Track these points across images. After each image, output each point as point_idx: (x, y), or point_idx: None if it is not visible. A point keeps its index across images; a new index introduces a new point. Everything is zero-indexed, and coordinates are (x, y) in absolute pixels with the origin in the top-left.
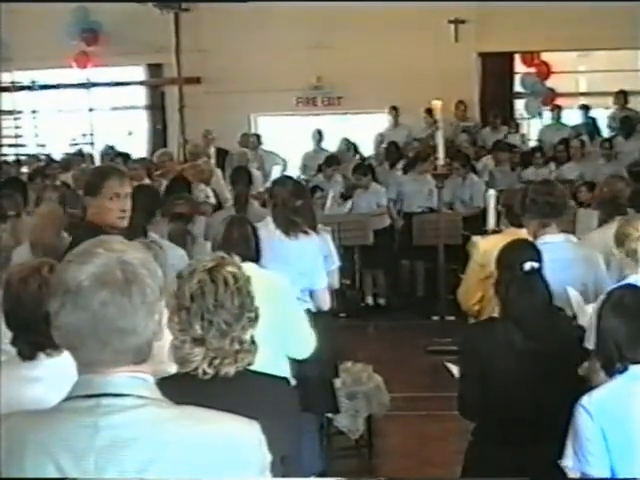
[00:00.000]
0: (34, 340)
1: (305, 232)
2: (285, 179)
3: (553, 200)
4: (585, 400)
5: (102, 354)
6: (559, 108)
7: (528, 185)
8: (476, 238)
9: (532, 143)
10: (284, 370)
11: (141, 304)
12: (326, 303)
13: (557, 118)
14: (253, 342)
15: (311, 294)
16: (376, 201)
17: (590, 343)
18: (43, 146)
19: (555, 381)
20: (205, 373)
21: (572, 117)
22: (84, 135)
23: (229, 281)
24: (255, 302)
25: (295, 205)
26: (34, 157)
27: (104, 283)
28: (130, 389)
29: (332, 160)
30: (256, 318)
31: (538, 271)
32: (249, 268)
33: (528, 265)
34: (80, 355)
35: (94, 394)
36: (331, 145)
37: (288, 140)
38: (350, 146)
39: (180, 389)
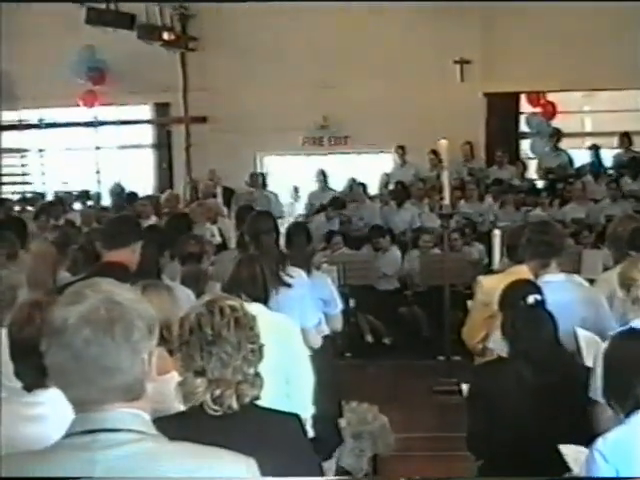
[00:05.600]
0: (39, 363)
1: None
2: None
3: (549, 239)
4: (600, 443)
5: (89, 393)
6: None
7: (527, 225)
8: (481, 278)
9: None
10: (294, 407)
11: (124, 343)
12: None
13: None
14: (258, 375)
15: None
16: (394, 268)
17: (596, 394)
18: (48, 184)
19: (564, 415)
20: (212, 409)
21: (578, 157)
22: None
23: (225, 311)
24: (259, 338)
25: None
26: (39, 195)
27: (88, 322)
28: (126, 424)
29: (336, 202)
30: (260, 352)
31: (542, 304)
32: (256, 308)
33: (532, 298)
34: (70, 394)
35: (91, 430)
36: (337, 185)
37: (294, 180)
38: (356, 186)
39: (188, 425)
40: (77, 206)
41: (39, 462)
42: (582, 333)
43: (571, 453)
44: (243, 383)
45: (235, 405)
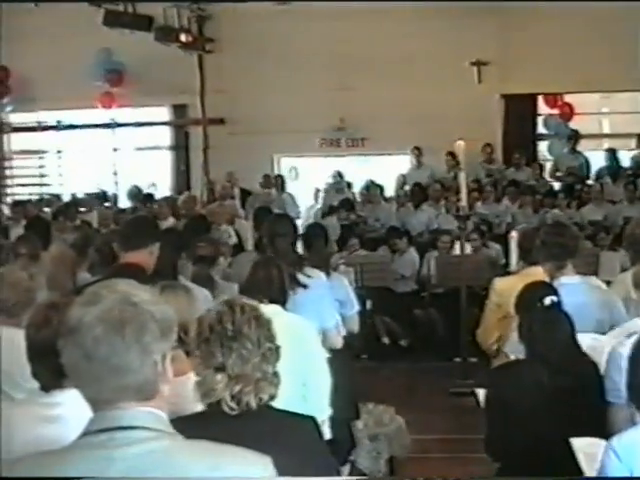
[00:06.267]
0: (56, 363)
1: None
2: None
3: (564, 242)
4: (615, 441)
5: (101, 392)
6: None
7: (541, 227)
8: (494, 279)
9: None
10: (311, 409)
11: (135, 343)
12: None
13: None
14: (276, 375)
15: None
16: (412, 269)
17: (610, 395)
18: (66, 186)
19: (581, 417)
20: (229, 407)
21: (596, 159)
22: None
23: (245, 309)
24: (276, 339)
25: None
26: (56, 197)
27: (100, 321)
28: (143, 422)
29: (346, 204)
30: (277, 352)
31: (558, 306)
32: (273, 310)
33: (548, 300)
34: (84, 392)
35: (107, 428)
36: (354, 186)
37: (311, 181)
38: (373, 187)
39: (202, 426)
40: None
41: (56, 462)
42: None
43: (582, 446)
44: (262, 381)
45: (253, 403)
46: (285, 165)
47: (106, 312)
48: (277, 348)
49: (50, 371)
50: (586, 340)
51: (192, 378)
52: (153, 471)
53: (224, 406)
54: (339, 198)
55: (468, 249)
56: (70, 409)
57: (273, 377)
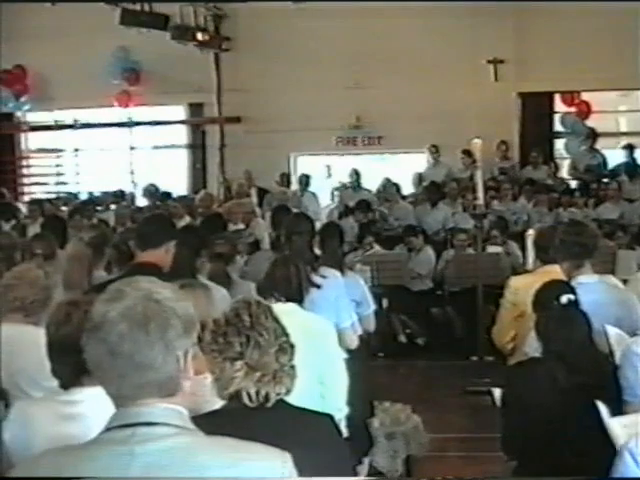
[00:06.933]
0: (76, 360)
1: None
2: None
3: (582, 240)
4: (632, 444)
5: (122, 388)
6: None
7: (559, 225)
8: (511, 277)
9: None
10: (328, 408)
11: (159, 340)
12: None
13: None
14: (293, 368)
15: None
16: (428, 268)
17: (625, 393)
18: (83, 184)
19: (598, 417)
20: (249, 396)
21: (613, 157)
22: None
23: (261, 303)
24: (290, 337)
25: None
26: (72, 195)
27: (124, 318)
28: (164, 419)
29: (363, 205)
30: (292, 348)
31: (575, 304)
32: (290, 308)
33: (565, 298)
34: (106, 388)
35: (129, 424)
36: (371, 185)
37: (328, 179)
38: (389, 186)
39: (219, 423)
40: (111, 206)
41: (78, 456)
42: (612, 332)
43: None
44: (280, 371)
45: (272, 394)
46: (302, 163)
47: (130, 308)
48: (292, 345)
49: (70, 369)
50: (615, 330)
51: (209, 378)
52: (174, 467)
53: (244, 397)
54: (356, 198)
55: (490, 248)
56: (90, 407)
57: (290, 369)
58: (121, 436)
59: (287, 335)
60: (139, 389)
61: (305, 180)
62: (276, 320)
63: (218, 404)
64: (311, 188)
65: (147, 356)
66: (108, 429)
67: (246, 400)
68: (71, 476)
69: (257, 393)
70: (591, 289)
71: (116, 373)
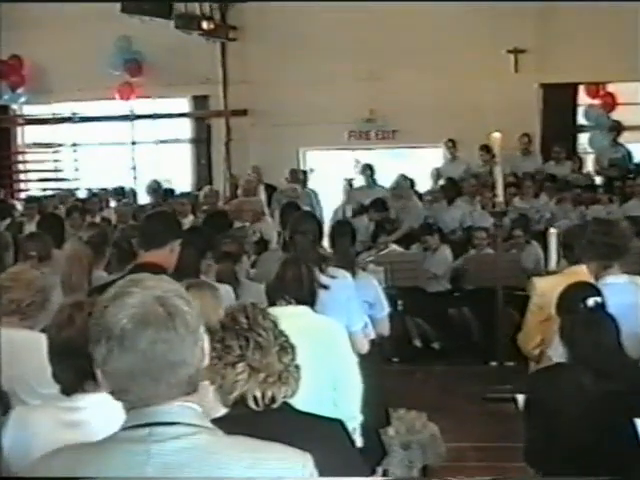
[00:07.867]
0: (80, 364)
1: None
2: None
3: (612, 241)
4: None
5: (157, 390)
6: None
7: (587, 224)
8: (535, 279)
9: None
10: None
11: (187, 334)
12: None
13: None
14: (297, 368)
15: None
16: (444, 268)
17: None
18: (82, 180)
19: (627, 424)
20: (254, 399)
21: (638, 152)
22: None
23: (256, 304)
24: (288, 336)
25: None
26: (69, 192)
27: (148, 322)
28: (181, 417)
29: (377, 204)
30: (293, 348)
31: (603, 307)
32: (302, 311)
33: (592, 301)
34: (133, 395)
35: (146, 423)
36: (385, 181)
37: (339, 176)
38: (403, 182)
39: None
40: (112, 203)
41: (94, 454)
42: None
43: None
44: (284, 372)
45: (278, 395)
46: (311, 158)
47: (150, 311)
48: (292, 345)
49: (73, 373)
50: None
51: (210, 387)
52: (191, 466)
53: (249, 400)
54: (370, 195)
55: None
56: (93, 414)
57: (295, 370)
58: (139, 435)
59: (286, 335)
60: (172, 388)
61: (303, 176)
62: (273, 322)
63: (221, 412)
64: (323, 184)
65: (180, 353)
66: (124, 428)
67: (252, 403)
68: (86, 475)
69: (263, 395)
70: (619, 290)
71: (150, 378)
